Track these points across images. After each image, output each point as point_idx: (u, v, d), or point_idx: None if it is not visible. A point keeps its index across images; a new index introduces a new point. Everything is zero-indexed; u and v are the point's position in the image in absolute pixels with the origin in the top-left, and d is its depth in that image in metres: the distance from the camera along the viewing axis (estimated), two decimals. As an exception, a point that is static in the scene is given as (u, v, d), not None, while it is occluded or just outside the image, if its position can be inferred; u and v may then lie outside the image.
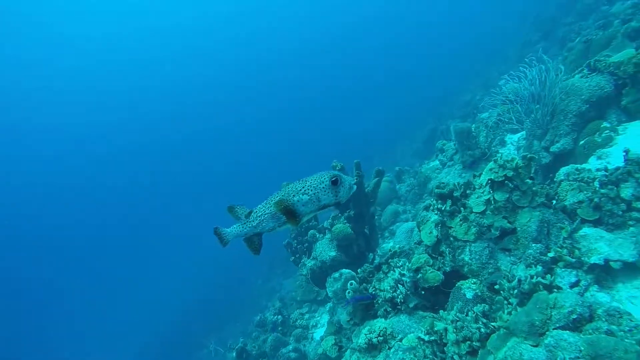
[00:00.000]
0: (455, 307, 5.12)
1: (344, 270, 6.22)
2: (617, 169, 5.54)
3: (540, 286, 4.64)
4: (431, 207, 6.01)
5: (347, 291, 5.95)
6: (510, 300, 4.69)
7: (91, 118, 60.65)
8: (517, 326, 3.53)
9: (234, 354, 10.97)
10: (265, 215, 2.85)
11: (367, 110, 44.69)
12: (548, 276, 4.73)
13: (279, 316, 11.31)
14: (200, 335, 17.08)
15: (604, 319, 3.38)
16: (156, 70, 65.40)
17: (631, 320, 3.31)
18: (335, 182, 2.75)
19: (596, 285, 4.86)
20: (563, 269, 5.07)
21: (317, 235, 9.16)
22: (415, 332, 5.37)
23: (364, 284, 6.29)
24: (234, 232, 2.96)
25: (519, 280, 4.87)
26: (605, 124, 7.07)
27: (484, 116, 12.43)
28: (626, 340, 3.05)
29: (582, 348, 3.03)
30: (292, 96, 60.27)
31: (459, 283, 5.57)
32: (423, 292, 5.75)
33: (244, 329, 14.67)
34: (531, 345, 3.36)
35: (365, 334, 5.47)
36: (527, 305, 3.72)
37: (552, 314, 3.42)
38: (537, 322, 3.44)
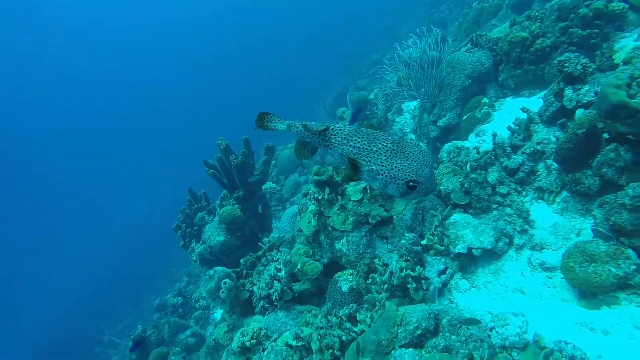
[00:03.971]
0: (327, 305, 4.94)
1: (218, 268, 5.74)
2: (486, 152, 5.57)
3: (409, 278, 4.59)
4: (308, 196, 5.64)
5: (221, 290, 5.50)
6: (377, 300, 4.58)
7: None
8: (366, 345, 3.36)
9: (131, 343, 10.19)
10: (337, 148, 2.50)
11: (283, 68, 42.92)
12: (418, 267, 4.68)
13: (179, 298, 10.71)
14: (105, 323, 15.83)
15: (446, 330, 3.33)
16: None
17: (468, 329, 3.30)
18: (412, 188, 2.29)
19: (460, 273, 4.96)
20: (433, 257, 5.08)
21: (206, 218, 8.50)
22: (291, 330, 5.15)
23: (242, 280, 5.89)
24: (299, 131, 2.68)
25: (391, 273, 4.79)
26: (484, 100, 7.15)
27: (388, 78, 12.24)
28: (456, 357, 3.00)
29: (420, 370, 2.92)
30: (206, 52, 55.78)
31: (336, 275, 5.39)
32: (303, 285, 5.50)
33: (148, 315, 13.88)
34: (378, 365, 3.21)
35: (239, 338, 5.12)
36: (376, 322, 3.56)
37: (399, 331, 3.29)
38: (384, 342, 3.29)
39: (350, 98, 9.12)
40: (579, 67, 5.32)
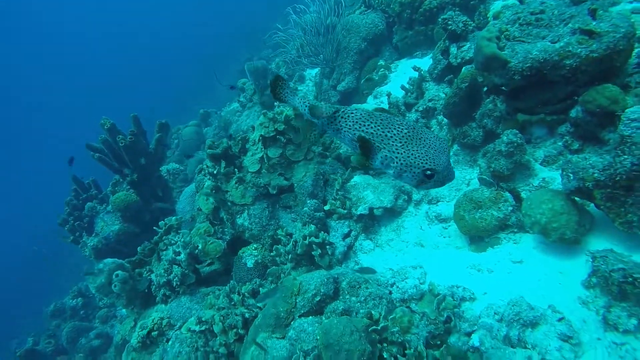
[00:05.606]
0: (230, 283, 4.66)
1: (107, 260, 5.14)
2: (382, 113, 5.59)
3: (314, 245, 4.48)
4: (202, 172, 5.21)
5: (113, 284, 4.93)
6: (282, 271, 4.42)
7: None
8: (265, 320, 3.18)
9: (18, 360, 8.87)
10: (347, 132, 2.31)
11: (183, 44, 39.84)
12: (322, 233, 4.58)
13: (79, 299, 9.63)
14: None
15: (346, 292, 3.28)
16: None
17: (367, 288, 3.28)
18: (429, 177, 2.10)
19: (364, 234, 4.98)
20: (337, 221, 5.03)
21: (98, 208, 7.60)
22: (198, 313, 4.80)
23: (138, 270, 5.34)
24: (302, 108, 2.54)
25: (295, 243, 4.63)
26: (380, 62, 7.20)
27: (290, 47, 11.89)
28: (356, 318, 2.96)
29: (318, 337, 2.83)
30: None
31: (240, 251, 5.12)
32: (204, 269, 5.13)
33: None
34: (277, 339, 3.05)
35: (138, 332, 4.66)
36: (275, 295, 3.38)
37: (297, 301, 3.16)
38: (283, 314, 3.14)
39: (248, 68, 8.64)
40: (460, 24, 5.50)
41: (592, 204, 3.32)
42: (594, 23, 3.64)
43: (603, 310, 2.99)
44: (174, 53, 39.27)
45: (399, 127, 2.19)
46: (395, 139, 2.16)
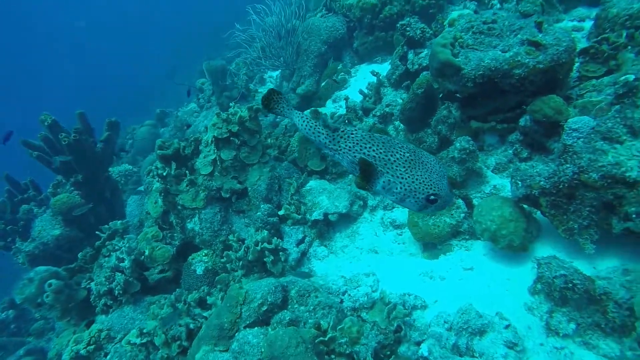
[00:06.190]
0: (176, 291, 4.41)
1: (39, 269, 4.73)
2: (340, 116, 5.54)
3: (266, 251, 4.32)
4: (151, 173, 4.92)
5: (45, 294, 4.53)
6: (231, 278, 4.22)
7: None
8: (208, 331, 2.99)
9: None
10: (347, 153, 2.22)
11: (146, 43, 38.42)
12: (274, 239, 4.42)
13: (11, 311, 8.84)
14: None
15: (295, 301, 3.15)
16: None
17: (316, 297, 3.17)
18: (432, 202, 2.04)
19: (318, 240, 4.87)
20: (291, 227, 4.89)
21: (35, 211, 7.04)
22: (142, 325, 4.50)
23: (76, 278, 4.96)
24: (305, 125, 2.37)
25: (246, 249, 4.45)
26: (340, 66, 7.16)
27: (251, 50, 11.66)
28: (304, 328, 2.84)
29: (263, 350, 2.68)
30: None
31: (190, 257, 4.86)
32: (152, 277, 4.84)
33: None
34: (220, 352, 2.86)
35: (72, 347, 4.30)
36: (220, 305, 3.20)
37: (242, 311, 2.99)
38: (227, 325, 2.96)
39: (207, 68, 8.35)
40: (418, 31, 5.55)
41: (539, 212, 3.38)
42: (540, 35, 3.75)
43: (546, 315, 3.04)
44: (133, 50, 37.84)
45: (401, 151, 2.12)
46: (399, 163, 2.09)
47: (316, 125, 2.34)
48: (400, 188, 2.06)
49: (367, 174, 2.08)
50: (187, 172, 4.91)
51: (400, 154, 2.11)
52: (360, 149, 2.17)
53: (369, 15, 7.04)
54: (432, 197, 2.03)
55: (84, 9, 48.11)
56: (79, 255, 5.42)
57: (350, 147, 2.21)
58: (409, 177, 2.06)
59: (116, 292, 4.67)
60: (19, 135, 6.83)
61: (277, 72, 9.40)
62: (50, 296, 4.55)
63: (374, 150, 2.13)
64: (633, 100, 2.92)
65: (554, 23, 4.88)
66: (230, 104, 5.11)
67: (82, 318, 5.05)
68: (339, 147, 2.26)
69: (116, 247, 4.92)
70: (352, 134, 2.24)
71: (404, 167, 2.08)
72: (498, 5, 5.86)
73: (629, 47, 4.04)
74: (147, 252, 4.90)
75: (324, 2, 7.68)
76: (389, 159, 2.10)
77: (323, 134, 2.31)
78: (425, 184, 2.04)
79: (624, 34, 4.15)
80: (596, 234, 3.01)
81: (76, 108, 6.94)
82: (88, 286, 4.91)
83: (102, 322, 4.71)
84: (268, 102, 2.48)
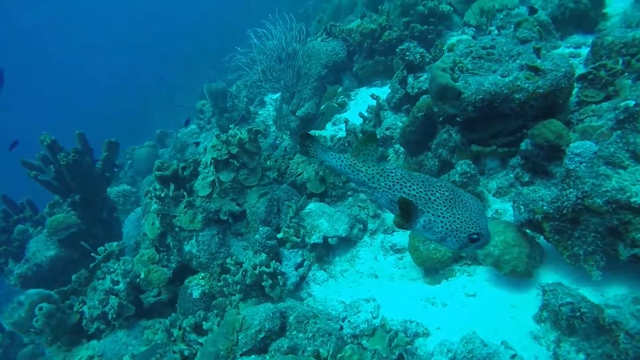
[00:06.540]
0: (171, 316, 4.29)
1: (31, 291, 4.61)
2: (339, 139, 5.54)
3: (264, 275, 4.23)
4: (149, 194, 4.87)
5: (35, 319, 4.39)
6: (229, 303, 4.12)
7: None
8: (204, 359, 2.86)
9: None
10: (385, 192, 2.19)
11: (150, 64, 39.01)
12: (273, 263, 4.33)
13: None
14: None
15: (293, 328, 3.05)
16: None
17: (315, 323, 3.08)
18: (474, 241, 2.01)
19: (317, 264, 4.79)
20: (290, 250, 4.82)
21: (31, 231, 6.94)
22: (135, 350, 4.36)
23: (68, 301, 4.83)
24: (342, 164, 2.34)
25: (244, 272, 4.36)
26: (340, 89, 7.23)
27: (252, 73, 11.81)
28: (302, 356, 2.74)
29: (260, 380, 2.55)
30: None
31: (186, 280, 4.76)
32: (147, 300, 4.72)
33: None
34: (215, 382, 2.75)
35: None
36: (216, 331, 3.10)
37: (239, 338, 2.90)
38: (223, 352, 2.86)
39: (207, 90, 8.44)
40: (417, 56, 5.62)
41: (542, 237, 3.33)
42: (539, 61, 3.79)
43: (553, 345, 2.94)
44: (133, 71, 38.33)
45: (440, 190, 2.12)
46: (439, 202, 2.07)
47: (355, 164, 2.32)
48: (442, 227, 2.04)
49: (407, 213, 2.05)
50: (185, 193, 4.86)
51: (440, 193, 2.10)
52: (400, 188, 2.16)
53: (369, 39, 7.16)
54: (474, 236, 2.01)
55: (82, 29, 48.99)
56: (73, 277, 5.31)
57: (390, 185, 2.19)
58: (450, 216, 2.03)
59: (109, 316, 4.55)
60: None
61: (277, 95, 9.49)
62: (40, 320, 4.41)
63: (414, 189, 2.12)
64: (635, 126, 2.92)
65: (551, 49, 4.95)
66: (230, 125, 5.11)
67: (73, 343, 4.89)
68: (378, 185, 2.24)
69: (111, 270, 4.82)
70: (391, 172, 2.23)
71: (445, 206, 2.06)
72: (496, 32, 5.96)
73: (626, 74, 4.08)
74: (142, 275, 4.78)
75: (324, 26, 7.82)
76: (429, 198, 2.08)
77: (362, 172, 2.28)
78: (466, 223, 2.02)
79: (620, 61, 4.21)
80: (602, 260, 2.95)
81: (75, 129, 6.97)
82: (81, 310, 4.78)
83: (94, 347, 4.57)
84: (305, 146, 2.47)
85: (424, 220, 2.07)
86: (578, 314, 2.78)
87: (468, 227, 2.01)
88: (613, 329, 2.67)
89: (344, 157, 2.37)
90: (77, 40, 47.75)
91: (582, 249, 2.99)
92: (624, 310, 2.69)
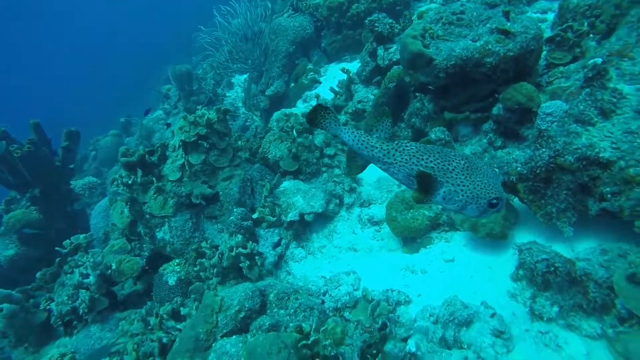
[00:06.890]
0: (147, 305, 4.15)
1: (-5, 291, 4.32)
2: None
3: (242, 257, 4.14)
4: (115, 182, 4.64)
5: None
6: (208, 284, 4.01)
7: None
8: (183, 344, 2.78)
9: None
10: (402, 167, 2.10)
11: (119, 50, 37.06)
12: (250, 244, 4.24)
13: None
14: None
15: (274, 305, 2.98)
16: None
17: (297, 299, 3.02)
18: (494, 206, 2.00)
19: (295, 241, 4.72)
20: (267, 230, 4.72)
21: (-12, 229, 6.53)
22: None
23: (33, 300, 4.59)
24: (356, 140, 2.18)
25: (220, 255, 4.24)
26: (309, 66, 7.06)
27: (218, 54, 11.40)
28: (285, 332, 2.68)
29: (243, 358, 2.49)
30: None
31: (160, 268, 4.60)
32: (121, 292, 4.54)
33: None
34: (196, 365, 2.66)
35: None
36: (194, 316, 3.00)
37: (219, 319, 2.81)
38: (202, 335, 2.77)
39: (172, 73, 8.08)
40: (387, 26, 5.53)
41: (517, 198, 3.36)
42: (508, 24, 3.77)
43: (530, 301, 3.01)
44: (97, 58, 36.53)
45: (456, 159, 2.09)
46: (457, 171, 2.05)
47: (369, 140, 2.21)
48: (462, 196, 2.03)
49: (426, 186, 2.02)
50: (154, 179, 4.65)
51: (457, 162, 2.08)
52: (417, 161, 2.10)
53: (336, 13, 6.99)
54: (494, 201, 2.00)
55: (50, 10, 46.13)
56: (38, 274, 5.06)
57: (406, 159, 2.13)
58: (470, 184, 2.02)
59: (81, 310, 4.35)
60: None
61: (245, 76, 9.21)
62: (1, 322, 4.17)
63: (431, 161, 2.08)
64: (602, 83, 2.95)
65: (519, 14, 4.96)
66: (198, 107, 4.90)
67: (42, 344, 4.66)
68: (394, 160, 2.17)
69: (79, 263, 4.58)
70: (406, 146, 2.16)
71: (463, 174, 2.05)
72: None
73: (591, 35, 4.14)
74: (114, 266, 4.58)
75: (291, 1, 7.58)
76: (447, 168, 2.05)
77: (377, 147, 2.19)
78: (485, 189, 2.01)
79: (585, 23, 4.26)
80: (574, 217, 3.02)
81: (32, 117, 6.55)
82: (48, 307, 4.54)
83: (65, 345, 4.37)
84: (314, 117, 2.29)
85: (444, 192, 2.05)
86: (552, 269, 2.84)
87: (488, 193, 2.01)
88: (584, 280, 2.76)
89: (357, 133, 2.27)
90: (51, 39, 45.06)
91: (554, 207, 3.04)
92: (593, 261, 2.77)
